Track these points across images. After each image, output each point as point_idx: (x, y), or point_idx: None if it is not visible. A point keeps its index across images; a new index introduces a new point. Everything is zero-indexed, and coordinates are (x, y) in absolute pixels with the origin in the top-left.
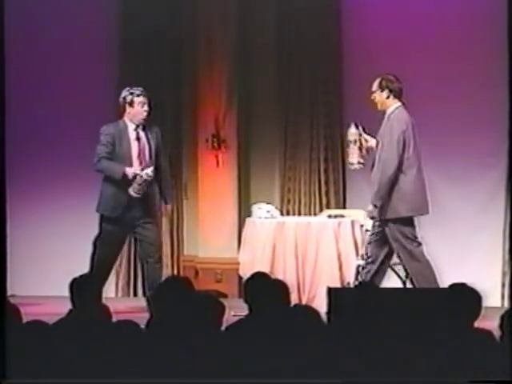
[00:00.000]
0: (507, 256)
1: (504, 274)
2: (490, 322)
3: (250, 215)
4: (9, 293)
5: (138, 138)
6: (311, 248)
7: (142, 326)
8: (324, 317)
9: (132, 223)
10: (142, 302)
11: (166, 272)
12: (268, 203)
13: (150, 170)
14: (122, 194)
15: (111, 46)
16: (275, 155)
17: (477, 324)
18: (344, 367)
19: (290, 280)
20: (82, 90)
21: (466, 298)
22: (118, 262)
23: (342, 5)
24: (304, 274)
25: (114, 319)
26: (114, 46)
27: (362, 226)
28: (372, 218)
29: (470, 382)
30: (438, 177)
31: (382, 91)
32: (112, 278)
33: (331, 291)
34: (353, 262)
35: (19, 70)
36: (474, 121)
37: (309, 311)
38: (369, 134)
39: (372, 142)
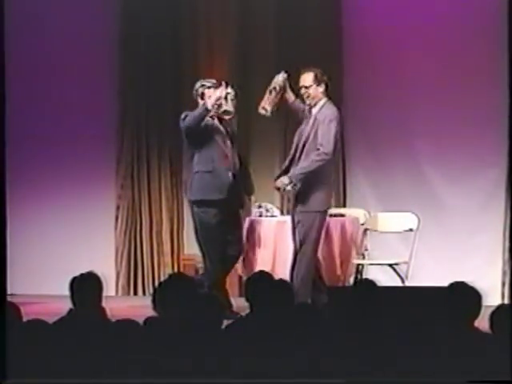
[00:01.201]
0: (507, 255)
1: (504, 272)
2: None
3: (250, 214)
4: (9, 292)
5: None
6: None
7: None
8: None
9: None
10: (142, 300)
11: (167, 271)
12: (268, 202)
13: (227, 88)
14: (223, 174)
15: (111, 45)
16: (275, 154)
17: (477, 323)
18: (343, 366)
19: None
20: (81, 89)
21: (466, 296)
22: (118, 262)
23: (343, 4)
24: None
25: (115, 318)
26: (114, 45)
27: (362, 224)
28: (279, 189)
29: (470, 382)
30: (438, 175)
31: (318, 85)
32: (112, 276)
33: (331, 290)
34: (353, 261)
35: (19, 69)
36: (473, 119)
37: (308, 310)
38: (294, 91)
39: (290, 97)
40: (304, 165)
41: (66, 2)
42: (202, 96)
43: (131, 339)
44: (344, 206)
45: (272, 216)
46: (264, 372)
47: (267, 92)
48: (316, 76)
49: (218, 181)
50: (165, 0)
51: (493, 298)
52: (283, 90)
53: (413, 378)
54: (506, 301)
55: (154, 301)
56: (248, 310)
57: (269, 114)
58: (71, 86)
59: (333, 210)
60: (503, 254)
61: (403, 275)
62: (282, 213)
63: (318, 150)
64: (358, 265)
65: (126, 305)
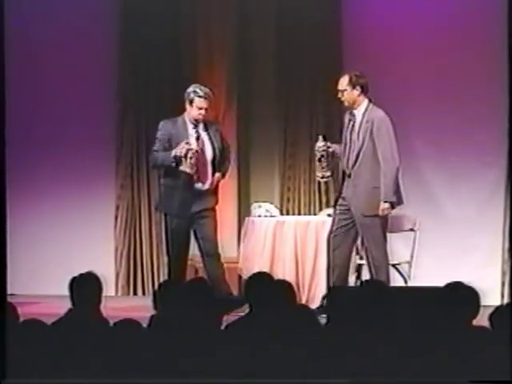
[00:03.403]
0: (507, 255)
1: (504, 272)
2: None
3: (249, 214)
4: (9, 292)
5: (198, 138)
6: (311, 247)
7: (143, 325)
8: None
9: (191, 219)
10: (141, 300)
11: (166, 271)
12: (268, 202)
13: (193, 142)
14: (181, 191)
15: (111, 45)
16: (275, 154)
17: (475, 323)
18: (343, 366)
19: (290, 279)
20: (81, 90)
21: (464, 296)
22: (118, 262)
23: (342, 5)
24: (303, 273)
25: (114, 319)
26: (113, 45)
27: None
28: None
29: (470, 382)
30: (438, 176)
31: (353, 88)
32: (112, 277)
33: (331, 290)
34: (353, 261)
35: (19, 70)
36: (473, 120)
37: (306, 311)
38: (334, 142)
39: (336, 148)
40: (388, 181)
41: (65, 2)
42: (191, 102)
43: (131, 339)
44: None
45: (271, 216)
46: (264, 372)
47: (317, 162)
48: (351, 79)
49: (176, 195)
50: (164, 1)
51: (492, 297)
52: (327, 152)
53: (413, 378)
54: (506, 301)
55: (155, 300)
56: (248, 310)
57: (327, 179)
58: (70, 86)
59: (332, 210)
60: (503, 253)
61: (405, 275)
62: (281, 213)
63: (388, 160)
64: (359, 265)
65: (126, 305)
